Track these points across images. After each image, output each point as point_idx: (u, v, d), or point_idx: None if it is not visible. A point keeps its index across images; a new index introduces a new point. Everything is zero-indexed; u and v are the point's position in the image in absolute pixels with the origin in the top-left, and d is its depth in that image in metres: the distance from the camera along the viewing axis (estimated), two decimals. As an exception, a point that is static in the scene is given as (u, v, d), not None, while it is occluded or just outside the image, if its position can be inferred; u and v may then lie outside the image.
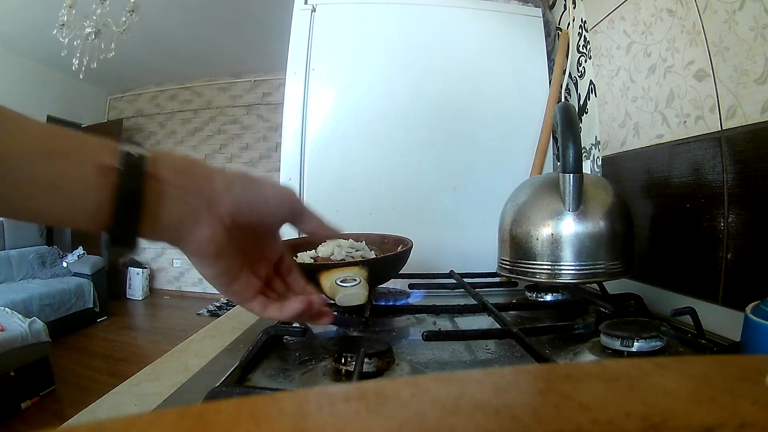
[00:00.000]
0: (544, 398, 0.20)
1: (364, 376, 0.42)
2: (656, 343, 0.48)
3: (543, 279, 0.68)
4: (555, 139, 1.04)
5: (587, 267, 0.66)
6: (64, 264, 3.86)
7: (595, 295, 0.73)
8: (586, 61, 1.01)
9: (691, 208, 0.68)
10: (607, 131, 0.93)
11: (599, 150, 0.96)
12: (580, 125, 1.02)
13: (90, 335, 3.50)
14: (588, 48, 0.99)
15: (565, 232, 0.66)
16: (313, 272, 0.51)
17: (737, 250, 0.60)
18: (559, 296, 0.76)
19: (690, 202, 0.69)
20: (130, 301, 4.71)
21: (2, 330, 2.24)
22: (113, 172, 0.30)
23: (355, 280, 0.50)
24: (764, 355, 0.38)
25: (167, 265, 5.06)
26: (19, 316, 2.50)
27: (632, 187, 0.83)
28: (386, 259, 0.69)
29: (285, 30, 1.09)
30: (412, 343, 0.60)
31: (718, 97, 0.63)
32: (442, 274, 0.88)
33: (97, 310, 3.79)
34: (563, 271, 0.66)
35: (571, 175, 0.65)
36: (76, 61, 3.00)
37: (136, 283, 4.78)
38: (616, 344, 0.48)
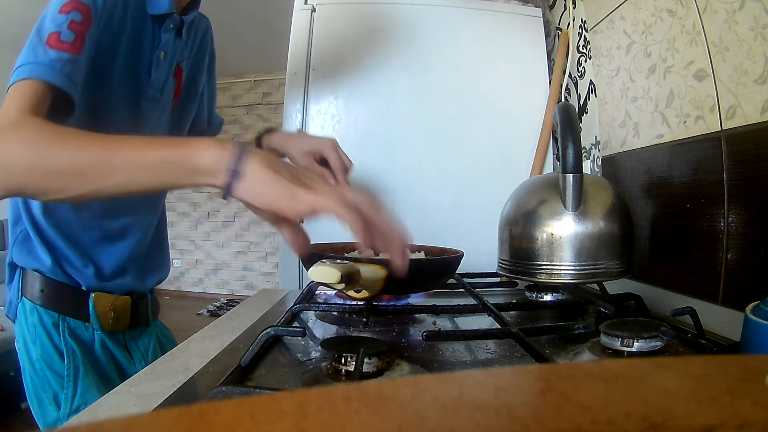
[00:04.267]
0: (544, 398, 0.20)
1: (364, 376, 0.42)
2: (656, 343, 0.48)
3: (543, 279, 0.68)
4: (555, 139, 1.04)
5: (587, 267, 0.66)
6: (64, 264, 3.86)
7: (595, 295, 0.73)
8: (586, 61, 1.01)
9: (691, 208, 0.68)
10: (607, 131, 0.93)
11: (599, 150, 0.96)
12: (580, 125, 1.02)
13: (90, 335, 3.49)
14: (588, 48, 0.99)
15: (565, 232, 0.66)
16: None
17: (737, 250, 0.60)
18: (559, 296, 0.76)
19: (690, 202, 0.69)
20: (130, 301, 4.71)
21: (2, 330, 2.24)
22: None
23: (375, 272, 0.55)
24: (764, 355, 0.38)
25: (167, 265, 5.06)
26: (19, 316, 2.50)
27: (632, 187, 0.83)
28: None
29: (285, 30, 1.09)
30: (412, 343, 0.60)
31: (718, 97, 0.63)
32: (442, 274, 0.88)
33: (97, 310, 3.78)
34: (563, 271, 0.66)
35: (571, 175, 0.65)
36: (76, 61, 2.99)
37: (136, 283, 4.77)
38: (616, 344, 0.48)
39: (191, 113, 0.82)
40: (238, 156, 0.44)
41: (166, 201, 0.86)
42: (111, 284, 0.74)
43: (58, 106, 0.53)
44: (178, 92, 0.76)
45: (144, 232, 0.79)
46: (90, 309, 0.71)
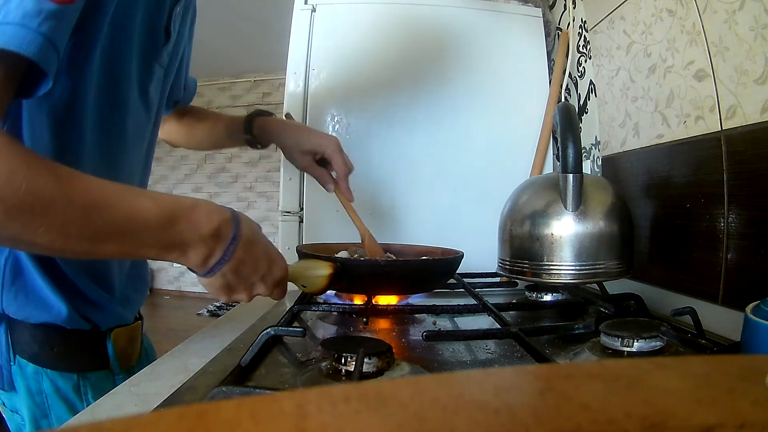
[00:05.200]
0: (544, 398, 0.20)
1: (364, 376, 0.42)
2: (656, 343, 0.48)
3: (543, 279, 0.68)
4: (555, 139, 1.04)
5: (587, 267, 0.66)
6: (64, 264, 3.85)
7: (595, 295, 0.73)
8: (586, 61, 1.01)
9: (691, 208, 0.68)
10: (607, 131, 0.93)
11: (599, 150, 0.96)
12: (580, 125, 1.02)
13: (90, 335, 3.49)
14: (588, 48, 0.99)
15: (565, 232, 0.66)
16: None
17: (737, 250, 0.60)
18: (559, 296, 0.76)
19: (690, 202, 0.69)
20: (130, 301, 4.71)
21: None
22: None
23: (318, 269, 0.61)
24: (764, 355, 0.38)
25: (167, 265, 5.06)
26: (19, 316, 2.50)
27: (632, 187, 0.83)
28: (357, 262, 0.71)
29: (285, 30, 1.09)
30: (412, 343, 0.60)
31: (718, 97, 0.63)
32: (442, 274, 0.88)
33: (97, 310, 3.77)
34: (563, 271, 0.66)
35: (571, 175, 0.65)
36: (76, 61, 2.99)
37: (136, 283, 4.77)
38: (616, 344, 0.48)
39: (172, 80, 0.70)
40: (220, 260, 0.47)
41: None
42: (127, 312, 0.62)
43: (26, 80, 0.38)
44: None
45: None
46: (109, 351, 0.57)
